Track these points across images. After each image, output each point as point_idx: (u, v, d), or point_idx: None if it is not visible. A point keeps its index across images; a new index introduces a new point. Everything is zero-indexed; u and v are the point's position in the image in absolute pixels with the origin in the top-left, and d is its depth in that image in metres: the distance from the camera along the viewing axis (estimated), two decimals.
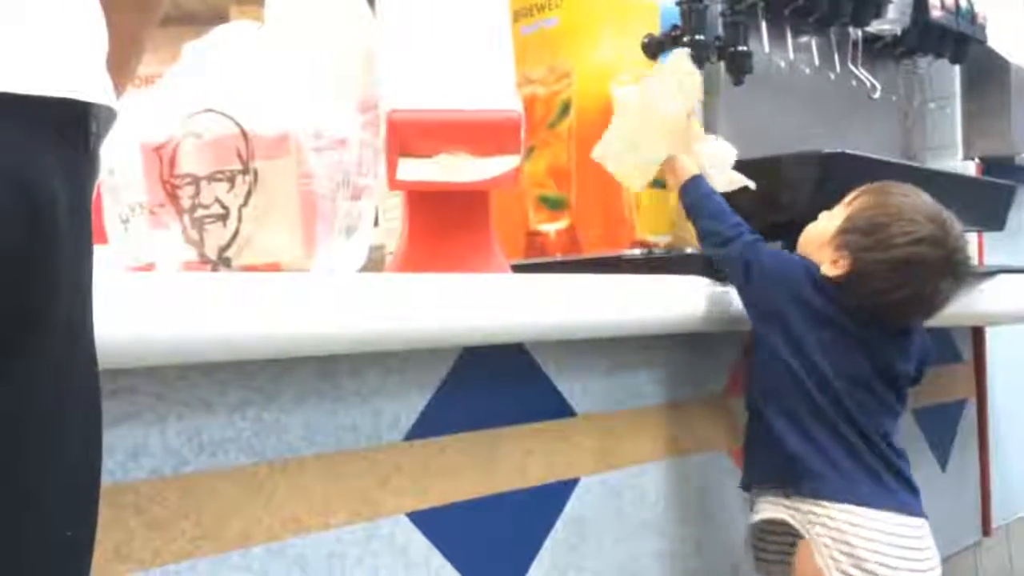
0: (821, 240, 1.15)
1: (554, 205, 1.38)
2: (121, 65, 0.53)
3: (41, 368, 0.42)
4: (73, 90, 0.43)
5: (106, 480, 0.49)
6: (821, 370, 1.12)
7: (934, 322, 1.20)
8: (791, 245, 1.21)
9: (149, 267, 0.94)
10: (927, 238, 1.10)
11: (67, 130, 0.44)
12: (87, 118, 0.45)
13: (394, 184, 1.00)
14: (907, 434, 1.34)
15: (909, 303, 1.12)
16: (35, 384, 0.42)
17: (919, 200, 1.13)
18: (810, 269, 1.14)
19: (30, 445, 0.42)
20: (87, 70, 0.45)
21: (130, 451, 0.79)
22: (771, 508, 1.15)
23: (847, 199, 1.17)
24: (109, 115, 0.47)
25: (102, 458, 0.48)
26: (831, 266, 1.13)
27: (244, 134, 0.92)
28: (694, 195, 1.20)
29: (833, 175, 1.24)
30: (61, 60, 0.43)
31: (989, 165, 1.88)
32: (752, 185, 1.21)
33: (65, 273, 0.43)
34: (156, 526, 0.80)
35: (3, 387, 0.41)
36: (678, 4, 1.29)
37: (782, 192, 1.26)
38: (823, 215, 1.18)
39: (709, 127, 1.37)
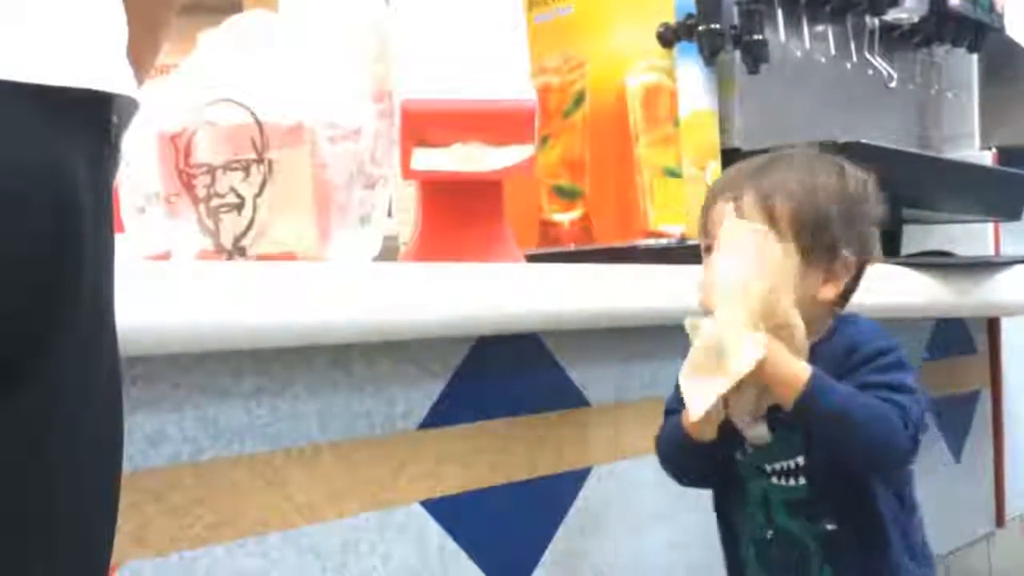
0: (785, 274, 0.86)
1: (568, 195, 1.37)
2: (141, 55, 0.53)
3: (69, 359, 0.43)
4: (95, 80, 0.43)
5: (124, 466, 0.50)
6: None
7: (949, 313, 1.19)
8: None
9: (165, 256, 0.94)
10: (863, 175, 0.94)
11: (90, 121, 0.44)
12: (109, 109, 0.45)
13: (408, 174, 1.01)
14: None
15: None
16: (61, 375, 0.42)
17: (810, 156, 0.96)
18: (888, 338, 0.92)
19: (58, 434, 0.43)
20: (108, 60, 0.45)
21: (148, 438, 0.80)
22: None
23: (728, 221, 0.88)
24: (131, 105, 0.47)
25: (123, 444, 0.49)
26: (834, 287, 0.90)
27: (259, 124, 0.92)
28: (832, 393, 0.85)
29: None
30: (82, 50, 0.43)
31: (1006, 155, 1.87)
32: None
33: (90, 265, 0.43)
34: (173, 512, 0.81)
35: (31, 378, 0.41)
36: None
37: None
38: (721, 268, 0.86)
39: (725, 118, 1.36)
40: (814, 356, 0.88)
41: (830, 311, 0.93)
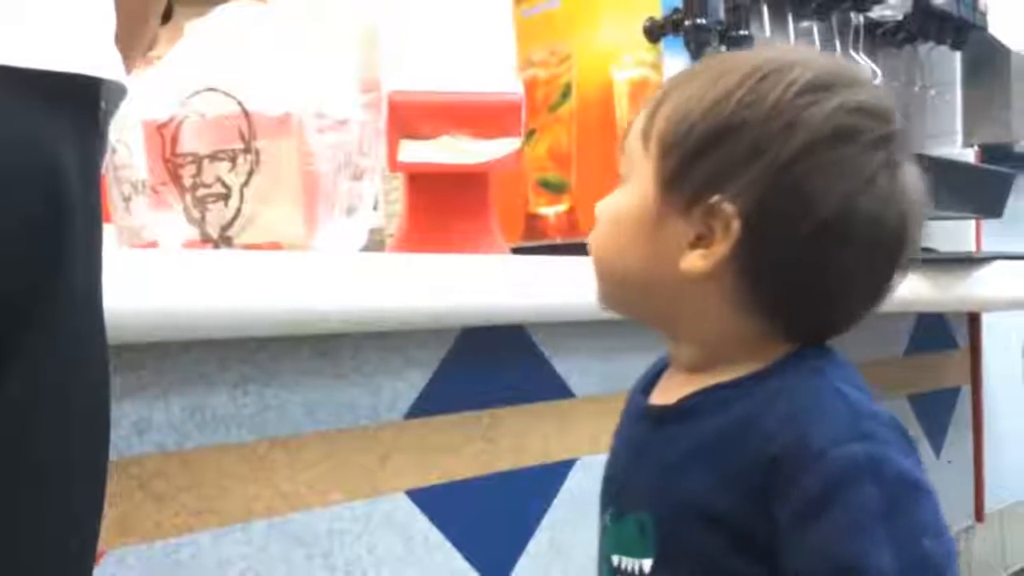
0: (643, 212, 0.59)
1: (554, 188, 1.38)
2: (130, 44, 0.53)
3: (56, 339, 0.43)
4: (82, 65, 0.43)
5: (111, 454, 0.50)
6: None
7: (930, 308, 1.20)
8: None
9: (151, 245, 0.94)
10: (824, 85, 0.55)
11: (77, 105, 0.44)
12: (97, 94, 0.45)
13: (395, 166, 1.01)
14: (902, 419, 1.35)
15: (874, 256, 0.58)
16: (50, 356, 0.43)
17: (750, 54, 0.61)
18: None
19: (44, 418, 0.43)
20: (96, 46, 0.45)
21: (134, 426, 0.80)
22: None
23: (637, 132, 0.60)
24: (119, 91, 0.47)
25: (110, 431, 0.49)
26: (703, 255, 0.56)
27: (246, 113, 0.92)
28: None
29: None
30: (70, 36, 0.43)
31: (988, 152, 1.89)
32: None
33: (78, 246, 0.43)
34: (159, 500, 0.81)
35: (20, 359, 0.41)
36: None
37: None
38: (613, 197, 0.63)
39: None
40: (695, 414, 0.59)
41: (757, 330, 0.57)
